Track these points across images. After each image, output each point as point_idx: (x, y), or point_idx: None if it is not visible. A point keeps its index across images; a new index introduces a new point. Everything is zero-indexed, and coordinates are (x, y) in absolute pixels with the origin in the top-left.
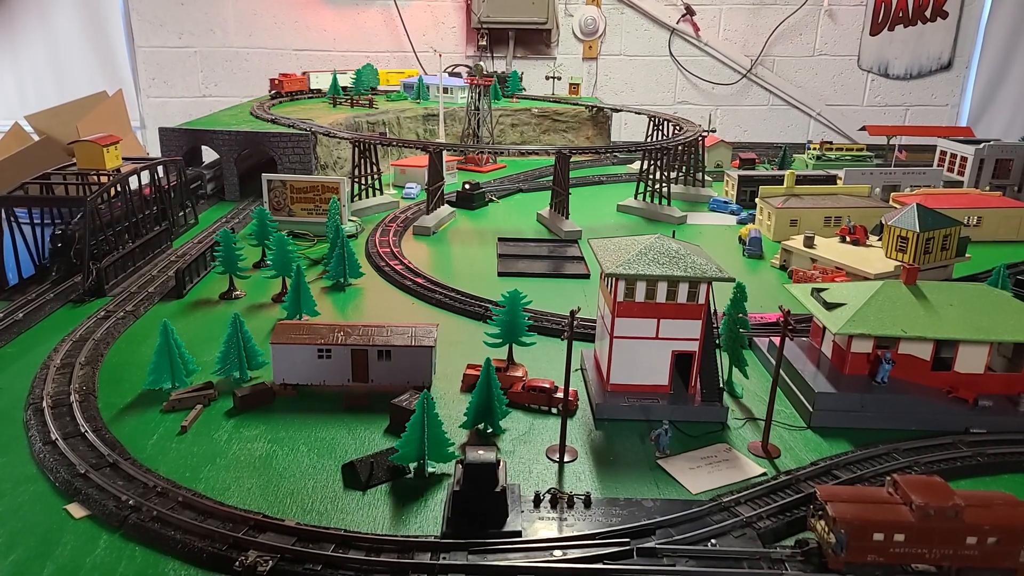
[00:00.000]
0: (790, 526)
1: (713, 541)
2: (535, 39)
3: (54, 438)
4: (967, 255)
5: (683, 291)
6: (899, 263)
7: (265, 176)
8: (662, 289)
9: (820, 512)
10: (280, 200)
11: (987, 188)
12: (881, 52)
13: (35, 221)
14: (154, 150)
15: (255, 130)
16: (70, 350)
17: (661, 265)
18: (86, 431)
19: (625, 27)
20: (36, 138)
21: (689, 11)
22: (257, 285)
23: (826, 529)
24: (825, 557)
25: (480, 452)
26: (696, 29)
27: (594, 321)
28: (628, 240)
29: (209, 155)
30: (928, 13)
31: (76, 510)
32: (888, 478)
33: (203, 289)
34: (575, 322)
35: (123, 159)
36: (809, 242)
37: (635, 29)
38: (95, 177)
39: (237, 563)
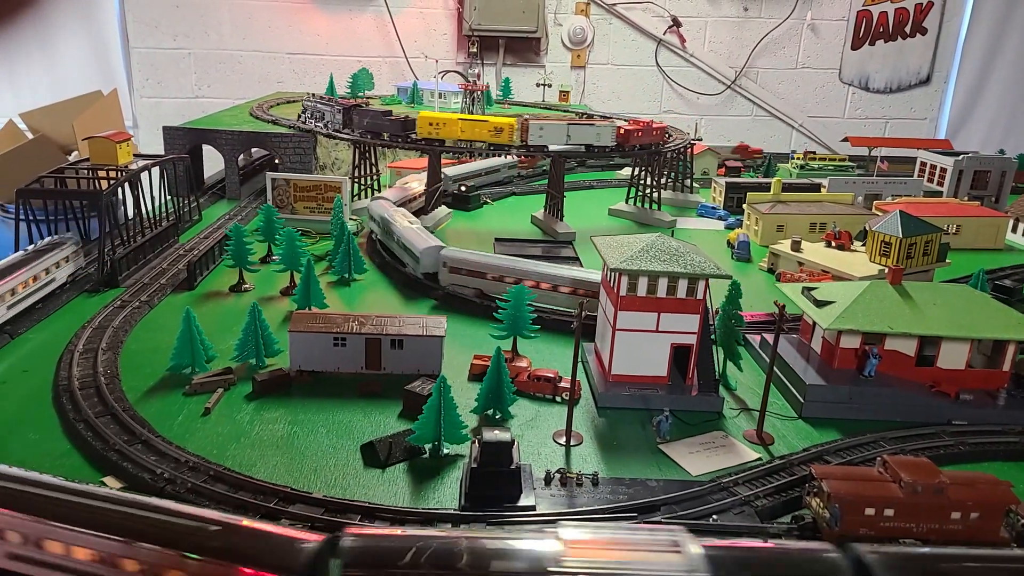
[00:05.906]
0: (786, 505)
1: (714, 517)
2: (525, 47)
3: (86, 416)
4: (947, 260)
5: (682, 287)
6: (883, 267)
7: (269, 174)
8: (663, 285)
9: (815, 489)
10: (283, 198)
11: (965, 198)
12: (862, 66)
13: (49, 217)
14: (147, 149)
15: (257, 130)
16: (91, 336)
17: (662, 262)
18: (116, 410)
19: (613, 37)
20: (30, 136)
21: (675, 23)
22: (264, 279)
23: (821, 505)
24: (820, 531)
25: (496, 432)
26: (682, 40)
27: (594, 316)
28: (631, 238)
29: (209, 154)
30: (908, 29)
31: (112, 482)
32: (878, 458)
33: (212, 282)
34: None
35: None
36: (796, 246)
37: (622, 39)
38: (106, 172)
39: None
